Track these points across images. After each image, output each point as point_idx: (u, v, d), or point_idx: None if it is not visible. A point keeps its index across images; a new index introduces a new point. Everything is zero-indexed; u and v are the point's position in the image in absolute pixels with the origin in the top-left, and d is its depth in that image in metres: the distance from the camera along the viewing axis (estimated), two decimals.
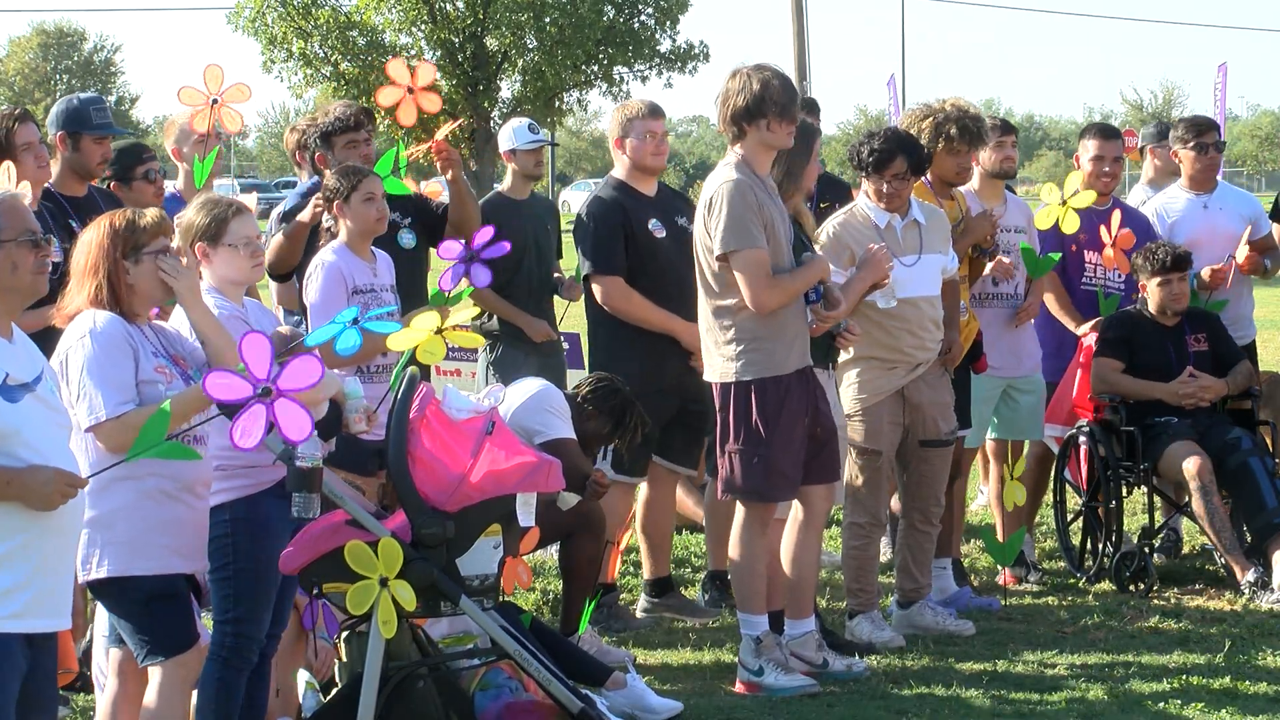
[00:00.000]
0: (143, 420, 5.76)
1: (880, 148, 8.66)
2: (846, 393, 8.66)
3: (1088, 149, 10.24)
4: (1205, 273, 10.13)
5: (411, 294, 8.55)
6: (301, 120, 9.55)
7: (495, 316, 9.81)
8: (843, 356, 8.66)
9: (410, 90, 8.74)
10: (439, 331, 6.68)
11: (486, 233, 7.64)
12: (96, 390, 5.83)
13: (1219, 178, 10.78)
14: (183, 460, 5.82)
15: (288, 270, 8.65)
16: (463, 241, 7.68)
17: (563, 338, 10.33)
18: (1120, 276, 10.10)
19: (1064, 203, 9.80)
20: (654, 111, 9.12)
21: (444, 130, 8.97)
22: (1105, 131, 10.41)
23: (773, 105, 7.73)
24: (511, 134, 10.07)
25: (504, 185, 10.33)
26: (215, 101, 8.66)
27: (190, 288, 6.14)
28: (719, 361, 7.89)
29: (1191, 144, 10.39)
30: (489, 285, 7.88)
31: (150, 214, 6.08)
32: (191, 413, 5.90)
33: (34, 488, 4.96)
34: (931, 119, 9.13)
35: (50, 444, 5.06)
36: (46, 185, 8.00)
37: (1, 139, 7.60)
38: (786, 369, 7.81)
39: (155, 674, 6.05)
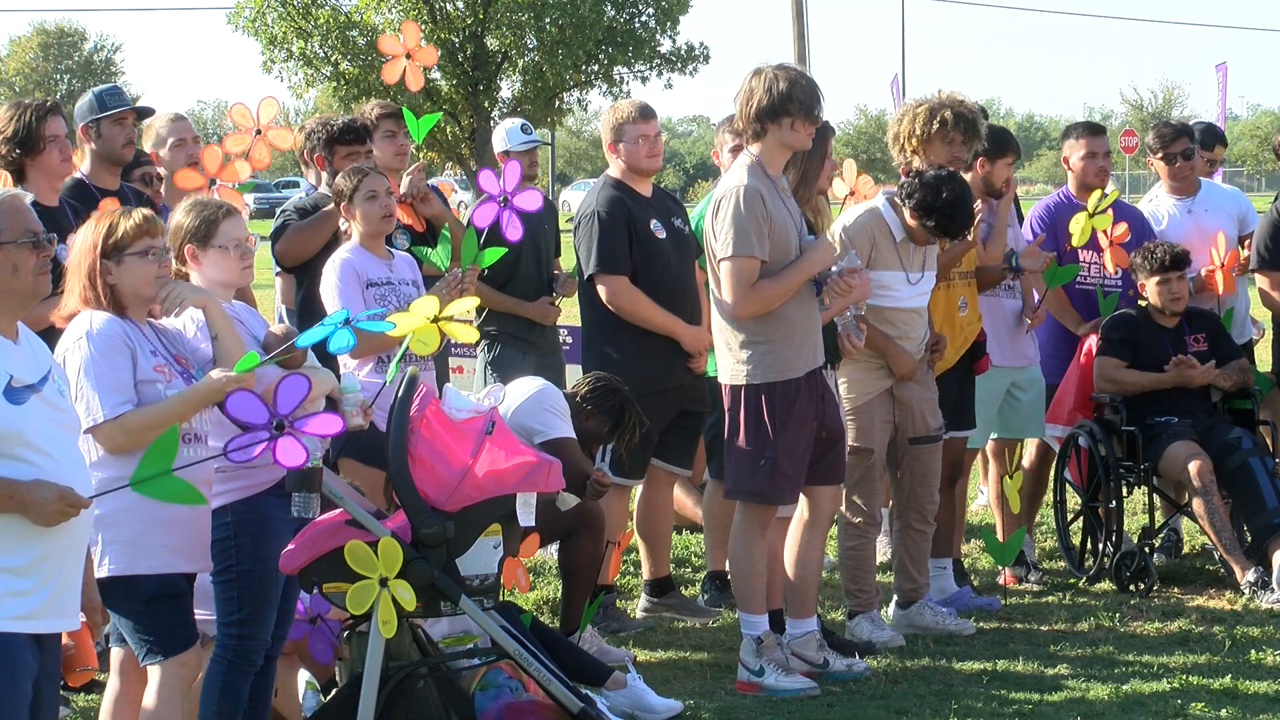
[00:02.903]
0: (140, 422, 5.79)
1: (951, 207, 8.63)
2: (839, 392, 8.67)
3: (1077, 147, 10.18)
4: (1202, 274, 10.13)
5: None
6: (310, 121, 9.59)
7: (493, 318, 9.81)
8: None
9: (408, 55, 8.78)
10: (435, 320, 6.66)
11: (514, 169, 7.71)
12: (93, 392, 5.83)
13: (1218, 177, 10.76)
14: (181, 460, 5.81)
15: (297, 262, 8.65)
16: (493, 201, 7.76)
17: (566, 331, 10.33)
18: (1119, 275, 10.09)
19: (1091, 215, 9.78)
20: (644, 114, 9.09)
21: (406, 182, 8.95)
22: (1093, 129, 10.35)
23: (798, 105, 7.73)
24: (505, 135, 10.07)
25: None
26: (259, 132, 8.71)
27: (202, 299, 6.15)
28: (729, 363, 7.89)
29: (1160, 155, 10.38)
30: (487, 281, 7.88)
31: (135, 215, 6.05)
32: (196, 410, 5.92)
33: (33, 504, 4.94)
34: (927, 105, 9.09)
35: (56, 445, 5.05)
36: (81, 177, 8.08)
37: (32, 127, 7.62)
38: (796, 372, 7.81)
39: (155, 673, 6.04)
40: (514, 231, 7.93)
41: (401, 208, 8.86)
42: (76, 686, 7.20)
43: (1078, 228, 9.74)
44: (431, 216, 8.93)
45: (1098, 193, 9.92)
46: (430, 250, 8.50)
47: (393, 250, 8.17)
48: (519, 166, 7.93)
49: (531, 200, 7.93)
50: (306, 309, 8.52)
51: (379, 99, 15.91)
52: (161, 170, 9.02)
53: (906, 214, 8.68)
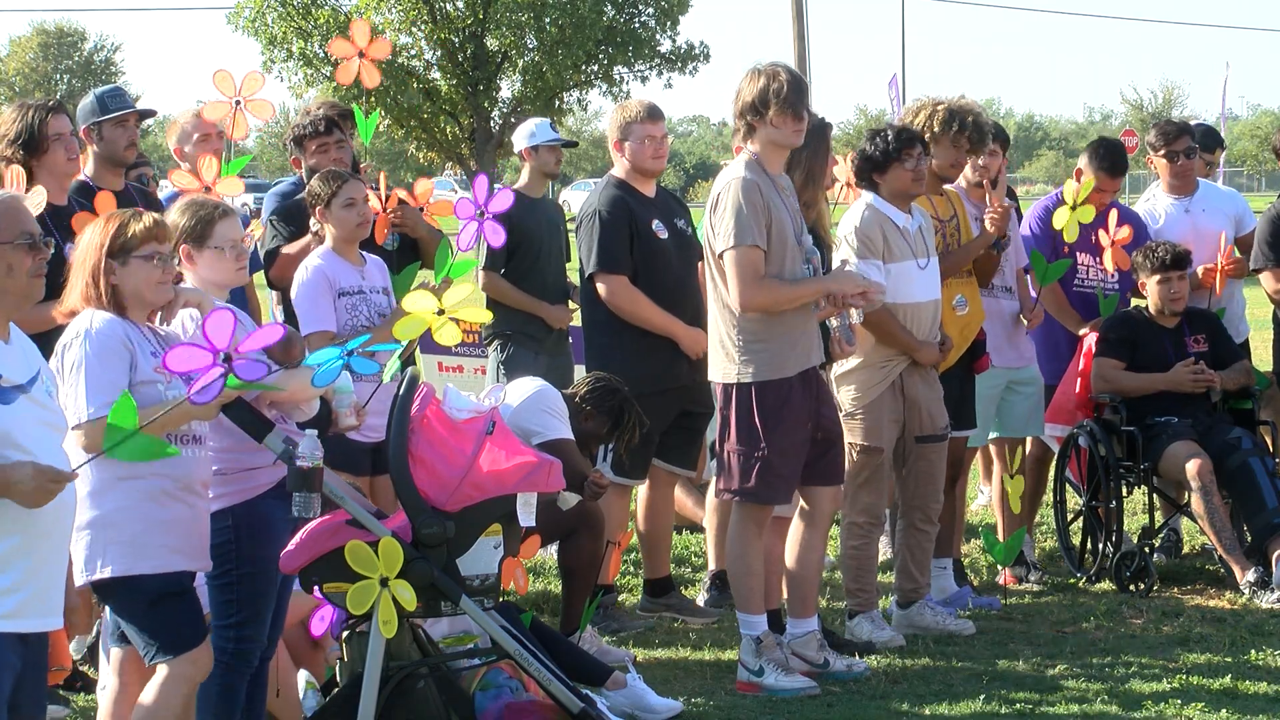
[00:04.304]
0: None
1: (899, 130, 8.75)
2: (845, 394, 8.67)
3: (1088, 172, 10.13)
4: (1199, 272, 10.13)
5: (397, 295, 8.55)
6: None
7: (505, 319, 9.81)
8: (837, 368, 8.66)
9: (361, 54, 8.71)
10: (440, 312, 6.65)
11: (505, 198, 7.60)
12: (83, 391, 5.83)
13: (1218, 178, 10.78)
14: (174, 459, 5.80)
15: (287, 285, 8.68)
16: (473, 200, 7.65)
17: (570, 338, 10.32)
18: (1116, 276, 10.10)
19: (1073, 208, 9.78)
20: (653, 114, 9.09)
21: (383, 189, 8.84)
22: (1115, 169, 10.11)
23: (777, 101, 7.74)
24: (534, 130, 10.02)
25: (520, 183, 10.26)
26: (238, 104, 8.68)
27: (195, 298, 6.15)
28: (723, 362, 7.90)
29: (1163, 152, 10.37)
30: (501, 268, 7.62)
31: (146, 218, 6.05)
32: (183, 422, 5.92)
33: (15, 484, 4.91)
34: (945, 105, 9.11)
35: (41, 445, 5.05)
36: (85, 179, 8.08)
37: (35, 129, 7.64)
38: (788, 371, 7.81)
39: (161, 670, 6.00)
40: (496, 238, 7.73)
41: (380, 220, 8.78)
42: (54, 685, 7.18)
43: (1062, 222, 9.76)
44: (416, 237, 8.91)
45: (1070, 184, 9.89)
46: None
47: (365, 255, 8.13)
48: (511, 196, 7.76)
49: (496, 236, 7.70)
50: (288, 311, 8.56)
51: (379, 99, 15.89)
52: (185, 165, 9.02)
53: (893, 178, 8.66)
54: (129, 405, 5.35)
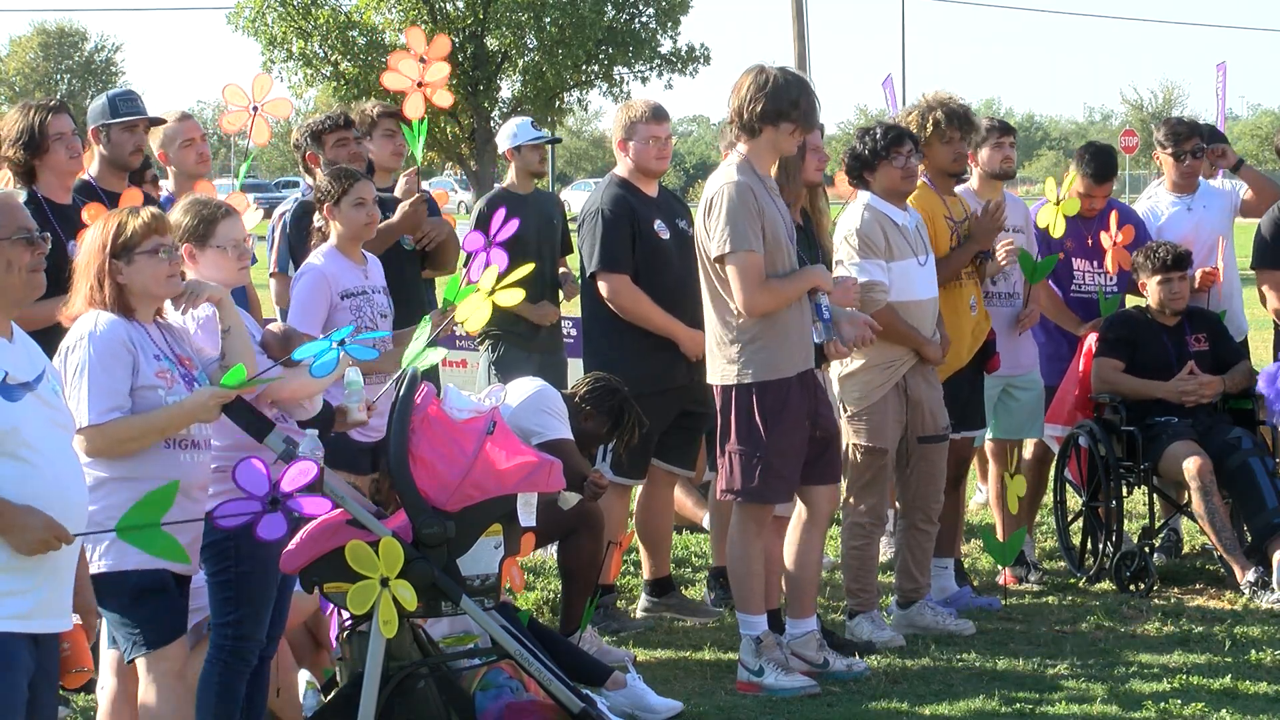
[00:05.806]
0: (125, 432, 5.81)
1: (887, 128, 8.76)
2: (849, 395, 8.67)
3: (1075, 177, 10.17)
4: (1197, 274, 10.13)
5: (409, 294, 8.54)
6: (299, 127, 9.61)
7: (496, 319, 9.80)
8: (837, 369, 8.66)
9: (420, 84, 8.73)
10: (491, 293, 6.68)
11: (499, 219, 7.56)
12: (85, 394, 5.83)
13: (1218, 178, 10.81)
14: (172, 465, 5.83)
15: None
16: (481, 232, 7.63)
17: (571, 324, 10.30)
18: (1114, 280, 10.10)
19: (1057, 203, 9.81)
20: (657, 115, 9.08)
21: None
22: (1101, 175, 10.18)
23: (801, 113, 7.74)
24: (515, 130, 10.04)
25: (506, 181, 10.30)
26: (255, 109, 8.67)
27: (216, 294, 6.15)
28: (721, 363, 7.90)
29: (1171, 151, 10.39)
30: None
31: (145, 213, 6.04)
32: (182, 427, 5.94)
33: (19, 529, 4.91)
34: (916, 111, 9.16)
35: (50, 443, 5.05)
36: (89, 179, 8.08)
37: (36, 129, 7.64)
38: (788, 372, 7.82)
39: (142, 668, 6.02)
40: (499, 262, 7.71)
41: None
42: (73, 688, 7.19)
43: (1046, 220, 9.78)
44: (442, 244, 8.94)
45: (1050, 181, 9.94)
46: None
47: (366, 254, 8.10)
48: (503, 211, 7.69)
49: (509, 230, 7.67)
50: None
51: (379, 99, 15.88)
52: (172, 169, 9.00)
53: (883, 176, 8.67)
54: (161, 500, 5.34)
